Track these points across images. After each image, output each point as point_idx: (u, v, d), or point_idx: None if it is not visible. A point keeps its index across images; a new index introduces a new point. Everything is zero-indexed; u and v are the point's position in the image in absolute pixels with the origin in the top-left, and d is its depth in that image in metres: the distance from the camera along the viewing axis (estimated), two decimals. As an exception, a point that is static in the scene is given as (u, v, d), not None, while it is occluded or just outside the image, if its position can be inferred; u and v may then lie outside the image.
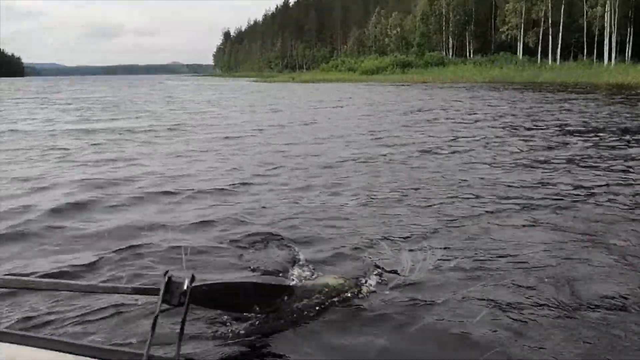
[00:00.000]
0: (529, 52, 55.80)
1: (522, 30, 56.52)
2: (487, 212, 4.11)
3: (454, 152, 7.44)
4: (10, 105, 19.76)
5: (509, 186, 5.09)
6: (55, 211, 4.23)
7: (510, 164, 6.44)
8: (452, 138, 9.05)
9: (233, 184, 5.38)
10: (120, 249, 3.29)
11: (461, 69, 49.82)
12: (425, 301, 2.53)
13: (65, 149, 8.06)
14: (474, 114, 13.86)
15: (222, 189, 5.18)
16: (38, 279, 2.64)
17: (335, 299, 2.47)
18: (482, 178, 5.52)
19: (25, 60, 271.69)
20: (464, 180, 5.43)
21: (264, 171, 6.14)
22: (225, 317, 2.34)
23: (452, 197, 4.63)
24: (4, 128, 11.30)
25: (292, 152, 7.53)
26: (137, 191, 5.05)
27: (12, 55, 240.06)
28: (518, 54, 56.82)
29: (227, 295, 2.16)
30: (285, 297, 2.29)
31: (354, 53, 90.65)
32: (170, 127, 11.39)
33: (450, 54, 68.95)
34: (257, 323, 2.31)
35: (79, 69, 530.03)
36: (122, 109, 17.44)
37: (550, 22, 51.99)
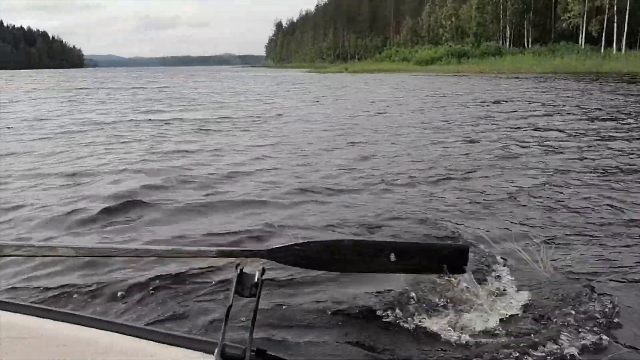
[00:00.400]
0: (591, 40, 53.79)
1: (585, 18, 54.49)
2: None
3: (566, 150, 6.97)
4: (81, 96, 20.46)
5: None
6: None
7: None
8: (556, 132, 8.70)
9: (367, 182, 5.19)
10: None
11: (519, 59, 48.55)
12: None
13: (150, 139, 8.33)
14: (554, 105, 13.27)
15: (354, 189, 4.98)
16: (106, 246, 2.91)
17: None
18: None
19: (84, 52, 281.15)
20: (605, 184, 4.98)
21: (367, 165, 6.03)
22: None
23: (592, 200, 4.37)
24: (91, 119, 11.68)
25: (389, 147, 7.36)
26: (256, 186, 5.04)
27: (73, 47, 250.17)
28: (580, 42, 54.89)
29: (326, 253, 2.24)
30: (391, 255, 2.23)
31: (407, 43, 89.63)
32: (253, 117, 11.52)
33: (507, 43, 67.25)
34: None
35: (135, 60, 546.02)
36: (192, 100, 17.61)
37: (615, 9, 49.94)
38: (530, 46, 62.46)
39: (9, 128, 9.78)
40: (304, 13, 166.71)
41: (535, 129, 9.10)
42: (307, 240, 2.35)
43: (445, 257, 2.31)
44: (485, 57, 53.79)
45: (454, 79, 31.81)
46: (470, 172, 5.58)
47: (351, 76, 44.47)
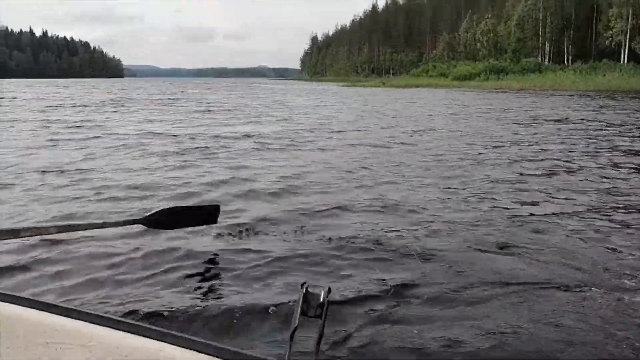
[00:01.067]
0: (635, 58, 53.05)
1: (627, 36, 53.86)
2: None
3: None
4: (129, 108, 19.75)
5: None
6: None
7: None
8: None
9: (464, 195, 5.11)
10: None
11: (560, 76, 48.23)
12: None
13: (220, 152, 8.16)
14: (623, 125, 12.71)
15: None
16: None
17: None
18: None
19: (123, 62, 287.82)
20: None
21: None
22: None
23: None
24: (154, 131, 11.21)
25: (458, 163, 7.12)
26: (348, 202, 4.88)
27: (113, 57, 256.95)
28: (622, 60, 54.23)
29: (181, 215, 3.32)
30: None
31: (443, 58, 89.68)
32: (312, 129, 11.46)
33: (547, 60, 66.83)
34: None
35: (172, 71, 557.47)
36: (245, 113, 17.35)
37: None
38: (570, 63, 61.93)
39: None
40: (339, 27, 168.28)
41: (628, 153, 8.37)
42: (170, 206, 3.41)
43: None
44: (524, 73, 53.54)
45: (502, 96, 31.66)
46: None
47: (395, 91, 44.55)
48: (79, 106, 20.16)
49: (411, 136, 10.27)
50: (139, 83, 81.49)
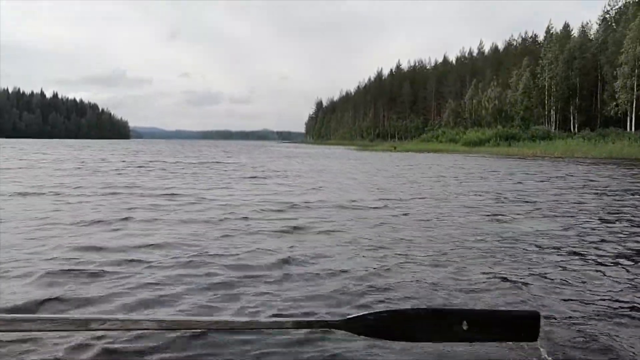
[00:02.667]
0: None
1: (633, 106, 55.18)
2: None
3: None
4: (183, 172, 18.78)
5: None
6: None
7: None
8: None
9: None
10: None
11: (571, 144, 48.98)
12: None
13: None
14: None
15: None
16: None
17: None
18: None
19: (130, 123, 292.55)
20: None
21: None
22: None
23: None
24: (249, 199, 10.19)
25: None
26: None
27: (121, 119, 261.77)
28: (629, 128, 55.33)
29: (399, 323, 2.23)
30: (463, 323, 2.22)
31: (448, 124, 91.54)
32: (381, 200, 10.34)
33: (553, 127, 68.10)
34: None
35: (177, 133, 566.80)
36: (304, 179, 16.35)
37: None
38: (576, 131, 63.16)
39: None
40: (343, 93, 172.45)
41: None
42: (380, 310, 2.35)
43: (516, 324, 2.29)
44: (534, 140, 54.45)
45: (521, 163, 31.86)
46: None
47: (413, 156, 45.04)
48: (138, 168, 20.29)
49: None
50: (155, 145, 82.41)
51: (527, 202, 10.26)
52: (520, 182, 15.41)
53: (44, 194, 10.28)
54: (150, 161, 26.62)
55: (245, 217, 7.50)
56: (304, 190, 12.13)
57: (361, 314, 2.27)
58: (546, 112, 70.41)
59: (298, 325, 2.40)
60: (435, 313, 2.37)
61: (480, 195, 11.39)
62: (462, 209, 8.93)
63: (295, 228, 6.67)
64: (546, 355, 2.54)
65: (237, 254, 5.05)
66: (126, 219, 7.12)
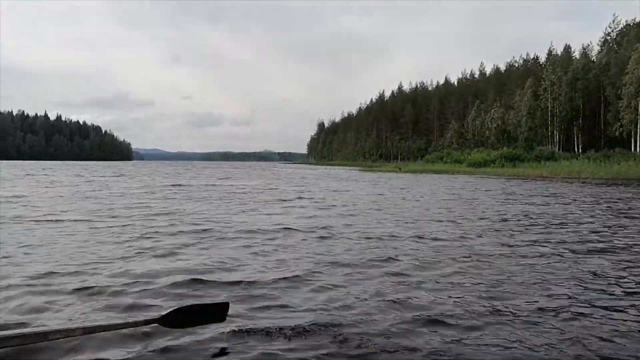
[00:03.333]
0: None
1: (638, 126, 55.39)
2: None
3: None
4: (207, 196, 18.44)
5: None
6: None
7: None
8: None
9: None
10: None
11: (576, 165, 48.95)
12: None
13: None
14: None
15: None
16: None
17: None
18: None
19: (132, 145, 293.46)
20: None
21: None
22: None
23: None
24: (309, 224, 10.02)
25: None
26: None
27: (124, 140, 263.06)
28: (633, 148, 55.47)
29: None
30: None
31: (451, 145, 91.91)
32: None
33: (557, 148, 68.27)
34: None
35: (179, 154, 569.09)
36: (332, 202, 15.87)
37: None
38: (580, 151, 63.32)
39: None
40: (345, 114, 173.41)
41: None
42: (189, 304, 3.65)
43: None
44: (539, 161, 54.50)
45: (538, 184, 31.89)
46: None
47: (422, 177, 45.09)
48: (177, 191, 20.19)
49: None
50: (164, 167, 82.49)
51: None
52: (557, 204, 15.32)
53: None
54: (180, 184, 26.58)
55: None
56: (338, 214, 12.11)
57: (173, 308, 3.51)
58: (549, 133, 70.68)
59: (120, 327, 3.32)
60: (201, 307, 3.67)
61: (530, 218, 11.34)
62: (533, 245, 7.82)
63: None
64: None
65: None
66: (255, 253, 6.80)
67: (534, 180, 37.59)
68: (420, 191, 22.42)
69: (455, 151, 74.25)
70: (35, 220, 9.87)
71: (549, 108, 69.81)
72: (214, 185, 26.27)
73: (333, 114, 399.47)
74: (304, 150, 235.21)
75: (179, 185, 25.57)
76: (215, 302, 3.95)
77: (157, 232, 8.58)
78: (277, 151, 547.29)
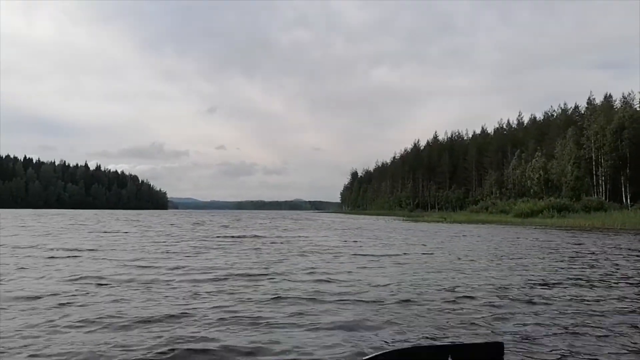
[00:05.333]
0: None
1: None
2: None
3: None
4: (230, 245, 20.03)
5: None
6: None
7: None
8: None
9: None
10: None
11: (629, 215, 47.97)
12: None
13: None
14: None
15: None
16: None
17: None
18: None
19: (167, 194, 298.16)
20: None
21: None
22: None
23: None
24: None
25: None
26: None
27: (160, 190, 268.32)
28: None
29: None
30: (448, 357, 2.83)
31: (491, 195, 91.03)
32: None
33: (603, 198, 67.01)
34: None
35: (212, 203, 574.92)
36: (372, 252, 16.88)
37: None
38: (629, 202, 62.10)
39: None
40: (379, 164, 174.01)
41: None
42: (381, 352, 2.90)
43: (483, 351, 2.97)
44: (588, 211, 53.58)
45: (599, 236, 31.26)
46: None
47: (474, 227, 44.68)
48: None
49: None
50: (207, 216, 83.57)
51: None
52: None
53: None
54: (255, 235, 26.97)
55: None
56: (426, 272, 12.20)
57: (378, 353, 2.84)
58: (594, 183, 69.58)
59: None
60: (421, 349, 3.04)
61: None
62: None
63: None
64: None
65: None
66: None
67: (590, 231, 36.91)
68: (517, 244, 22.27)
69: (500, 201, 73.47)
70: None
71: (593, 157, 69.02)
72: (299, 237, 26.21)
73: (364, 163, 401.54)
74: (334, 198, 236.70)
75: (261, 237, 25.70)
76: (488, 341, 3.78)
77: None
78: (307, 200, 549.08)
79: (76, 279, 9.76)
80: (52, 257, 13.78)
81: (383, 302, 7.69)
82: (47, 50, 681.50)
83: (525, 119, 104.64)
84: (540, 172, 78.30)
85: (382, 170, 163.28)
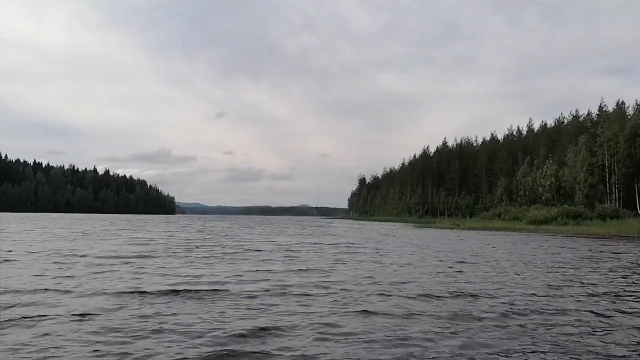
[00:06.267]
0: None
1: None
2: None
3: None
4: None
5: None
6: None
7: None
8: None
9: None
10: None
11: (646, 223, 47.75)
12: None
13: None
14: None
15: None
16: None
17: None
18: None
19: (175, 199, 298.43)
20: None
21: None
22: None
23: None
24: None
25: None
26: None
27: (168, 195, 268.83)
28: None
29: None
30: None
31: (501, 202, 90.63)
32: None
33: (616, 205, 66.63)
34: None
35: (219, 208, 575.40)
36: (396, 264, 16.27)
37: None
38: (643, 209, 61.80)
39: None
40: (387, 170, 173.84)
41: None
42: None
43: None
44: (603, 219, 53.31)
45: (628, 245, 31.10)
46: None
47: (490, 235, 44.57)
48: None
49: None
50: (224, 222, 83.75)
51: None
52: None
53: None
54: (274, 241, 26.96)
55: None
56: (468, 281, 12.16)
57: None
58: (607, 190, 69.17)
59: None
60: None
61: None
62: None
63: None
64: None
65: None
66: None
67: (608, 239, 36.74)
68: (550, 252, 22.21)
69: (514, 208, 73.14)
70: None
71: (606, 165, 68.69)
72: (320, 244, 26.07)
73: (371, 169, 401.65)
74: (340, 204, 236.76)
75: (280, 244, 25.71)
76: None
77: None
78: (314, 205, 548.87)
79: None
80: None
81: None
82: (57, 54, 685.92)
83: (536, 126, 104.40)
84: (551, 179, 77.90)
85: (390, 177, 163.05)
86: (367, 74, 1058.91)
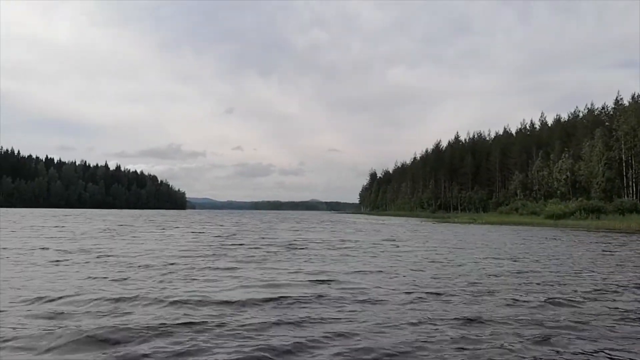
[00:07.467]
0: None
1: None
2: None
3: None
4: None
5: None
6: None
7: None
8: None
9: None
10: None
11: (666, 217, 47.64)
12: None
13: None
14: None
15: None
16: None
17: None
18: None
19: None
20: None
21: None
22: None
23: None
24: None
25: None
26: None
27: (178, 190, 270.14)
28: None
29: None
30: None
31: (516, 196, 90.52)
32: None
33: (634, 199, 66.40)
34: None
35: (229, 203, 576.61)
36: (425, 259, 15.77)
37: None
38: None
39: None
40: (399, 165, 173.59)
41: None
42: None
43: None
44: (622, 213, 53.16)
45: None
46: None
47: (517, 230, 44.49)
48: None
49: None
50: (242, 218, 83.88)
51: None
52: None
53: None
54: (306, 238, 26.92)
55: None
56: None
57: None
58: (624, 185, 68.92)
59: None
60: None
61: None
62: None
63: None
64: None
65: None
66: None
67: (633, 234, 36.72)
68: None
69: (531, 203, 73.05)
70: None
71: (623, 159, 68.42)
72: (354, 241, 24.70)
73: (380, 164, 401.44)
74: (350, 199, 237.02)
75: (318, 242, 24.66)
76: None
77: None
78: (323, 200, 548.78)
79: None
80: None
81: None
82: (67, 51, 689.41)
83: (549, 120, 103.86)
84: (567, 173, 77.72)
85: (402, 171, 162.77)
86: (377, 70, 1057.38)
